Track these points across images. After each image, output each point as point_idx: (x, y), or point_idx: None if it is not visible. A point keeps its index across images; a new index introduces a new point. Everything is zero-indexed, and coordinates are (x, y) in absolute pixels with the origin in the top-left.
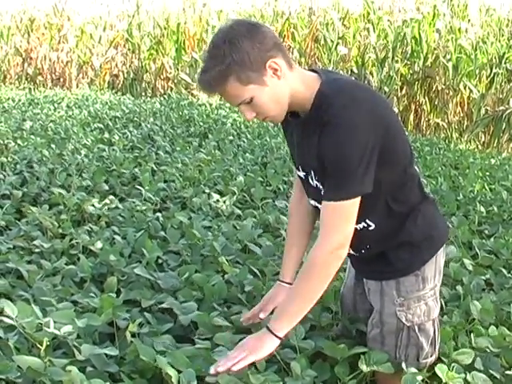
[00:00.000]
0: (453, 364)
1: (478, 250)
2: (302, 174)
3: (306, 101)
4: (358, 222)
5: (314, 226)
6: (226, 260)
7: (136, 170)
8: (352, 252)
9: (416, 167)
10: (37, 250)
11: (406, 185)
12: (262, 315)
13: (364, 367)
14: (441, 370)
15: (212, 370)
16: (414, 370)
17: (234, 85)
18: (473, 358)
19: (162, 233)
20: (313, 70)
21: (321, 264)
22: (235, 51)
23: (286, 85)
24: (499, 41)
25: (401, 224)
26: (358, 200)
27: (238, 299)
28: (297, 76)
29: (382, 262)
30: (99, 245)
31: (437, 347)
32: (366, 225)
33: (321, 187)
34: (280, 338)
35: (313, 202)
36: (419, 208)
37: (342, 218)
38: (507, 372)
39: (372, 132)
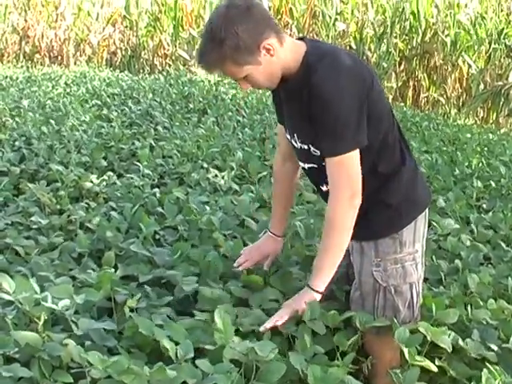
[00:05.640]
0: (449, 332)
1: (475, 226)
2: (288, 137)
3: (294, 67)
4: None
5: (296, 186)
6: (224, 235)
7: (134, 145)
8: None
9: (399, 134)
10: (34, 226)
11: (389, 148)
12: (265, 267)
13: (360, 327)
14: (423, 326)
15: (262, 328)
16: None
17: (230, 66)
18: (457, 316)
19: (160, 208)
20: (301, 39)
21: (338, 217)
22: (231, 38)
23: (277, 60)
24: (498, 16)
25: (380, 184)
26: (357, 152)
27: (234, 274)
28: (287, 48)
29: (363, 223)
30: (96, 221)
31: (415, 312)
32: None
33: (305, 147)
34: (321, 293)
35: (301, 164)
36: (399, 172)
37: (347, 171)
38: (504, 345)
39: (356, 92)
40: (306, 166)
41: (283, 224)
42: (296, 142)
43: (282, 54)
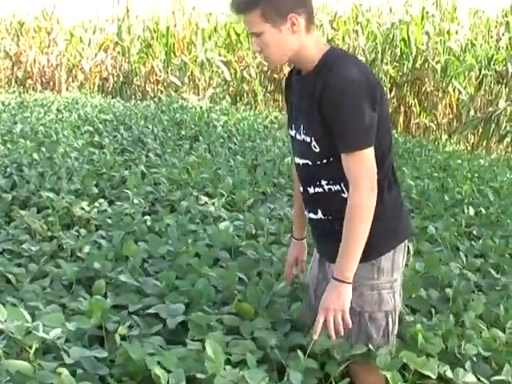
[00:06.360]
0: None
1: (464, 254)
2: (292, 132)
3: (312, 61)
4: (338, 182)
5: None
6: (209, 266)
7: (126, 172)
8: (320, 215)
9: (391, 165)
10: (25, 254)
11: (382, 170)
12: (298, 272)
13: (339, 357)
14: (406, 356)
15: (315, 337)
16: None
17: (255, 16)
18: (441, 347)
19: (150, 235)
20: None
21: (360, 206)
22: None
23: (296, 41)
24: (488, 42)
25: None
26: (371, 149)
27: (230, 299)
28: (311, 38)
29: None
30: (86, 249)
31: (390, 341)
32: (340, 188)
33: (308, 140)
34: (350, 282)
35: (297, 160)
36: (383, 199)
37: (365, 165)
38: (494, 378)
39: (367, 93)
40: (301, 162)
41: (303, 227)
42: (300, 134)
43: (305, 40)
